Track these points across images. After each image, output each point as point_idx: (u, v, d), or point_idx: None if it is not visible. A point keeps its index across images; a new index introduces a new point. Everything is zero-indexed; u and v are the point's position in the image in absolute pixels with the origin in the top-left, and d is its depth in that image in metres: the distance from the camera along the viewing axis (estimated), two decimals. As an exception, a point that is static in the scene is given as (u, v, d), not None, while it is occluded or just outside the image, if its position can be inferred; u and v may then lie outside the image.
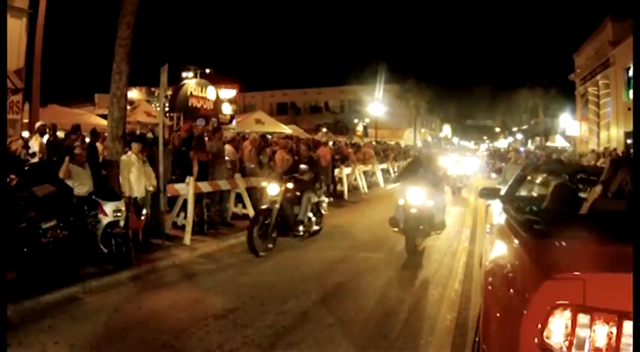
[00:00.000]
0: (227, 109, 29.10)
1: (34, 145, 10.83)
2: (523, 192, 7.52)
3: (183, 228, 8.80)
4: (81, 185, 7.16)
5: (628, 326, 1.98)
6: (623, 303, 1.99)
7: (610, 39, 28.65)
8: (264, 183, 9.15)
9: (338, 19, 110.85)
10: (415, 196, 8.08)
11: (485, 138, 78.93)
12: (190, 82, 25.83)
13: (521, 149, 40.02)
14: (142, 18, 9.13)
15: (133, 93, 31.78)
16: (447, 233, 9.45)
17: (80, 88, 53.87)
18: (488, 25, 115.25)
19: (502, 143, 65.14)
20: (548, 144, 43.57)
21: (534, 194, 7.63)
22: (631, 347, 1.97)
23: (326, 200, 10.18)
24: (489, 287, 3.15)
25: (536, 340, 2.11)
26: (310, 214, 9.06)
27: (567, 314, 2.08)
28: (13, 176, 6.58)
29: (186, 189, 8.72)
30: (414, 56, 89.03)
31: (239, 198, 10.80)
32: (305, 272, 7.16)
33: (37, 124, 12.26)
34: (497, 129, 73.57)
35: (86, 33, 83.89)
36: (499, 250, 3.72)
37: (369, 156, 20.94)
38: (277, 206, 8.30)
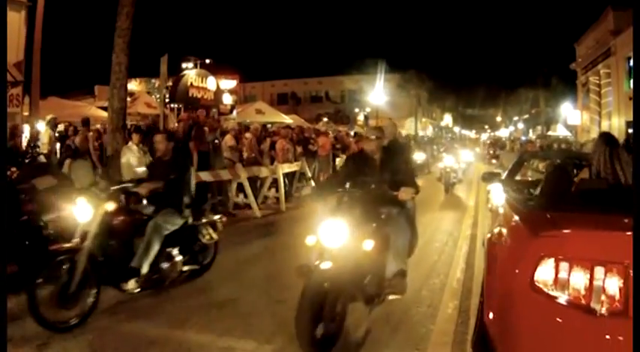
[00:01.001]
0: (227, 100, 29.00)
1: (44, 137, 11.01)
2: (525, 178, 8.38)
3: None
4: (82, 178, 7.17)
5: (598, 271, 2.51)
6: (594, 253, 2.56)
7: (611, 28, 28.51)
8: (79, 199, 4.95)
9: (338, 8, 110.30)
10: (333, 236, 4.01)
11: (486, 127, 78.91)
12: (190, 73, 25.71)
13: (523, 138, 40.03)
14: (142, 8, 9.13)
15: (133, 85, 31.72)
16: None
17: (80, 80, 53.73)
18: (489, 15, 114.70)
19: (503, 132, 65.05)
20: (550, 133, 43.41)
21: (532, 179, 8.32)
22: (602, 290, 2.49)
23: (216, 218, 6.17)
24: (491, 249, 3.76)
25: (528, 280, 2.67)
26: (174, 250, 5.47)
27: (551, 262, 2.62)
28: (13, 169, 6.59)
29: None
30: (415, 45, 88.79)
31: (240, 188, 10.95)
32: None
33: (49, 117, 12.47)
34: (499, 119, 73.48)
35: (85, 24, 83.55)
36: (499, 222, 4.35)
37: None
38: (88, 243, 4.67)
